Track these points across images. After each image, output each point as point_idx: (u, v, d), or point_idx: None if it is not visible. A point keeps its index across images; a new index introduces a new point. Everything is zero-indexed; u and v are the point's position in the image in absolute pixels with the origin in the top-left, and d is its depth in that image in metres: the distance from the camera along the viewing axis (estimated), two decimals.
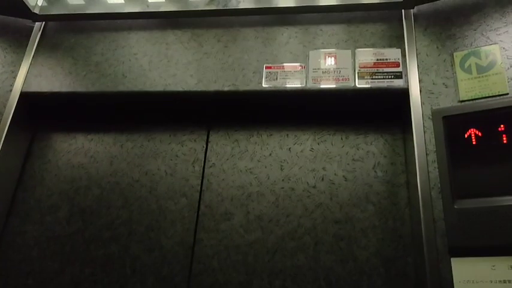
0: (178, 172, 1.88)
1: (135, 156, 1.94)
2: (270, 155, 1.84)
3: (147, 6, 1.95)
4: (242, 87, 1.78)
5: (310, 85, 1.74)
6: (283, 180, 1.78)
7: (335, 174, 1.76)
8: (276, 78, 1.77)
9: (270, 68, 1.79)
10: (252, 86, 1.77)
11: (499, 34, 1.62)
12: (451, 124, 1.56)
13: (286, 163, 1.81)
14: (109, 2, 2.02)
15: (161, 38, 1.95)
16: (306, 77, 1.75)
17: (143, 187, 1.88)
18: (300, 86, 1.74)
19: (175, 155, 1.91)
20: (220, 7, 1.90)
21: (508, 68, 1.55)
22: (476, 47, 1.63)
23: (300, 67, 1.78)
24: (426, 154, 1.54)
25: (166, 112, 1.98)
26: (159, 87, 1.83)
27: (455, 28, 1.71)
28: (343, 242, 1.64)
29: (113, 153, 1.96)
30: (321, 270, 1.61)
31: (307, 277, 1.60)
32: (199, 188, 1.83)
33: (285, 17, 1.91)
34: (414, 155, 1.56)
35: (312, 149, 1.82)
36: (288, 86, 1.75)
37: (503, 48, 1.58)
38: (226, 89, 1.79)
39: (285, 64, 1.80)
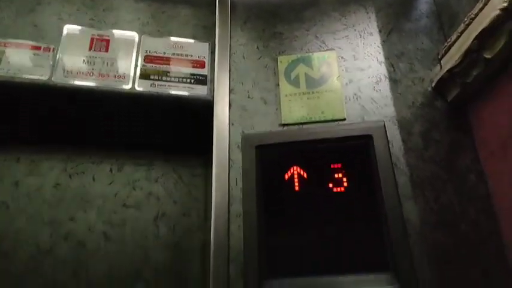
0: None
1: None
2: None
3: None
4: None
5: (59, 79, 1.03)
6: None
7: (89, 229, 1.07)
8: None
9: None
10: None
11: (338, 39, 1.17)
12: (268, 157, 1.02)
13: (5, 208, 1.05)
14: None
15: None
16: (54, 66, 1.05)
17: None
18: (41, 78, 1.02)
19: None
20: None
21: (347, 84, 1.09)
22: (307, 52, 1.16)
23: (46, 49, 1.07)
24: (229, 203, 0.96)
25: None
26: None
27: (283, 25, 1.22)
28: None
29: None
30: None
31: None
32: None
33: None
34: (211, 203, 0.97)
35: (58, 185, 1.10)
36: (19, 75, 1.01)
37: (342, 57, 1.13)
38: None
39: (18, 41, 1.06)
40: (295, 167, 1.00)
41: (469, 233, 0.91)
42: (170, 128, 1.14)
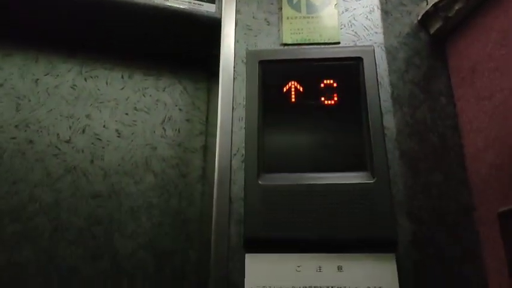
0: None
1: None
2: (2, 85, 1.15)
3: None
4: None
5: None
6: (16, 126, 1.12)
7: (104, 126, 1.18)
8: None
9: None
10: None
11: None
12: (269, 72, 1.15)
13: (27, 101, 1.15)
14: None
15: None
16: None
17: None
18: None
19: None
20: None
21: (343, 12, 1.21)
22: None
23: None
24: (233, 108, 1.09)
25: None
26: None
27: None
28: (100, 228, 1.08)
29: None
30: (55, 273, 1.01)
31: (31, 283, 0.99)
32: None
33: None
34: (217, 109, 1.10)
35: (75, 86, 1.20)
36: None
37: None
38: None
39: None
40: (292, 82, 1.13)
41: (436, 143, 1.07)
42: (179, 42, 1.24)
